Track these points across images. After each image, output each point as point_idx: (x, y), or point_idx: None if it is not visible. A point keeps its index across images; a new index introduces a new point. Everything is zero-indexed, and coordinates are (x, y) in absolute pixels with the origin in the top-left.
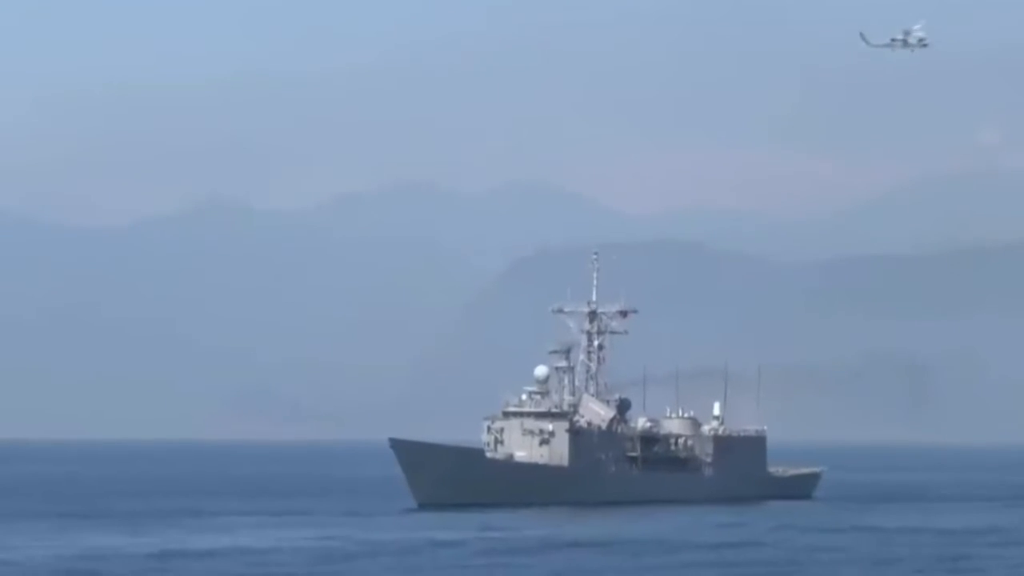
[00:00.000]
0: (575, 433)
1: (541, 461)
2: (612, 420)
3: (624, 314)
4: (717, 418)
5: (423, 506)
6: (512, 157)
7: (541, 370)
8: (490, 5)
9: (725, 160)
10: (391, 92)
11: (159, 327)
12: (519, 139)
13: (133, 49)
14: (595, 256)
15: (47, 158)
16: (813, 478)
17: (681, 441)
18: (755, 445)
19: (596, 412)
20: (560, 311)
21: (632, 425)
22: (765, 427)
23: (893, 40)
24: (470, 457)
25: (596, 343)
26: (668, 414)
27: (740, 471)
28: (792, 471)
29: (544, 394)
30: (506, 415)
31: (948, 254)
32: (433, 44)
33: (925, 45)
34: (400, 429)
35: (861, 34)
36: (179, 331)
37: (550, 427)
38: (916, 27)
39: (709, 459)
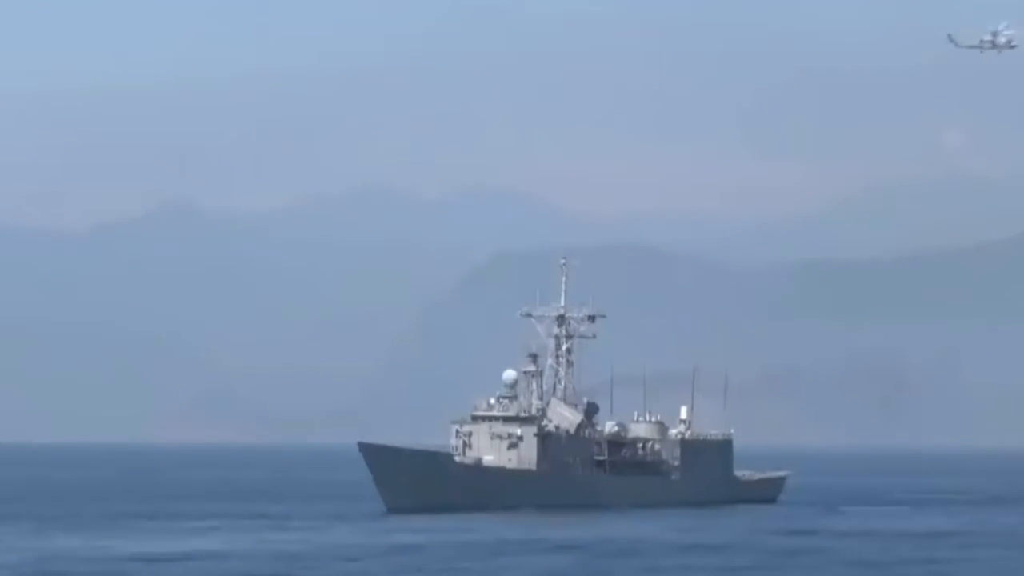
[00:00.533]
0: (543, 437)
1: (509, 465)
2: (580, 424)
3: (592, 319)
4: (684, 422)
5: (392, 510)
6: (474, 160)
7: (509, 374)
8: (451, 10)
9: (687, 164)
10: (353, 95)
11: (120, 331)
12: (481, 143)
13: (94, 52)
14: (563, 261)
15: (9, 162)
16: (778, 482)
17: (648, 445)
18: (721, 449)
19: (564, 416)
20: (529, 315)
21: (600, 429)
22: (732, 431)
23: (982, 42)
24: (439, 461)
25: (564, 347)
26: (635, 418)
27: (707, 475)
28: (758, 475)
29: (512, 398)
30: (475, 419)
31: (914, 258)
32: (394, 48)
33: (1013, 46)
34: (360, 433)
35: (949, 36)
36: (140, 335)
37: (518, 431)
38: (1003, 28)
39: (676, 463)
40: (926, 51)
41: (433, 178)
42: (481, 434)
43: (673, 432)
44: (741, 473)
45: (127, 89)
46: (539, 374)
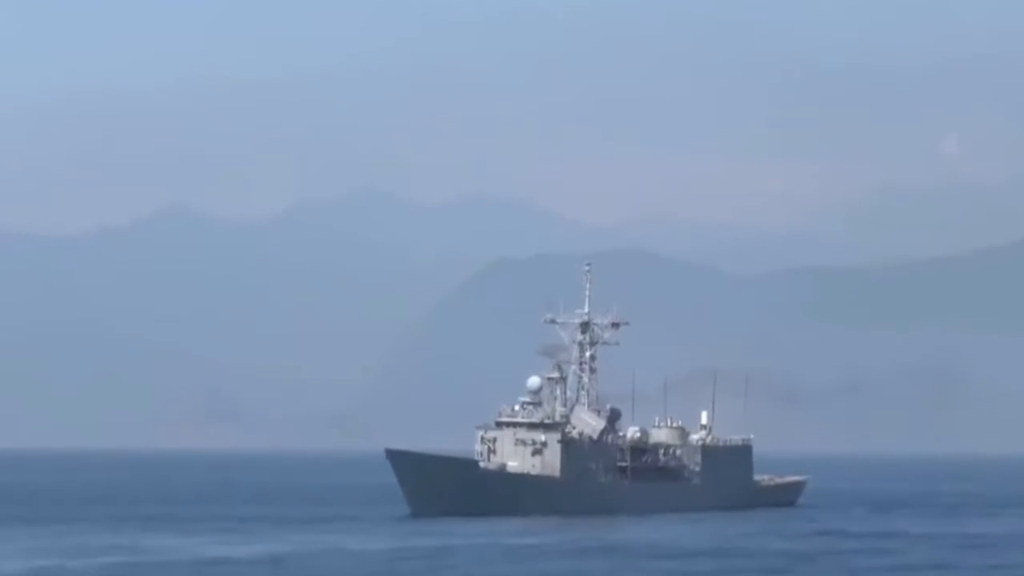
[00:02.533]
0: (567, 444)
1: (533, 471)
2: (603, 431)
3: (616, 326)
4: (705, 427)
5: (417, 515)
6: (473, 167)
7: (534, 381)
8: (449, 16)
9: (685, 171)
10: (352, 101)
11: (116, 337)
12: (481, 149)
13: (93, 59)
14: (587, 268)
15: (9, 167)
16: (797, 487)
17: (670, 451)
18: (742, 454)
19: (587, 422)
20: (553, 321)
21: (622, 435)
22: (752, 436)
23: None
24: (464, 467)
25: (588, 354)
26: (656, 423)
27: (727, 480)
28: (778, 480)
29: (537, 404)
30: (499, 425)
31: (917, 264)
32: (394, 54)
33: None
34: (358, 438)
35: None
36: (132, 338)
37: (542, 438)
38: None
39: (697, 468)
40: (925, 58)
41: (432, 184)
42: (506, 440)
43: (694, 437)
44: (761, 478)
45: (125, 95)
46: (563, 380)
